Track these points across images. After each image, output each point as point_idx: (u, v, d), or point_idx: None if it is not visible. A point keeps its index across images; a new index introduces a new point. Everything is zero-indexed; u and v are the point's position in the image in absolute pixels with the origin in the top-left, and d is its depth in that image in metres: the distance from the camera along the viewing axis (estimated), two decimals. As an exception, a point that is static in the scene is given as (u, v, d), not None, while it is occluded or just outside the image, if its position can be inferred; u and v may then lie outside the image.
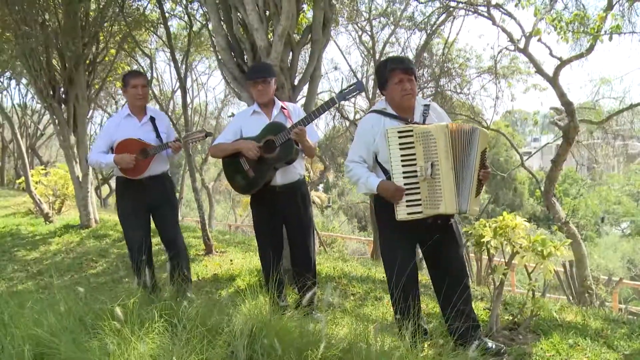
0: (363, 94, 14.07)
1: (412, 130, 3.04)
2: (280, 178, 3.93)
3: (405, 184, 3.05)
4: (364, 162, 3.28)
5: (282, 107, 4.01)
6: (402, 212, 3.07)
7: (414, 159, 3.04)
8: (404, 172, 3.05)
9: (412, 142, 3.03)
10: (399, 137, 3.04)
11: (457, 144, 3.05)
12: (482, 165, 3.13)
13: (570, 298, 8.10)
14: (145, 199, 4.35)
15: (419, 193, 3.05)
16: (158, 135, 4.33)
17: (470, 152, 3.07)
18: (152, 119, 4.39)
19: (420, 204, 3.04)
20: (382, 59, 13.00)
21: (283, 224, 4.10)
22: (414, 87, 3.20)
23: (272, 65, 4.52)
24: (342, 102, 14.44)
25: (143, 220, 4.39)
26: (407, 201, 3.05)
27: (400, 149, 3.04)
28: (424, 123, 3.18)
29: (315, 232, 14.57)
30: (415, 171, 3.03)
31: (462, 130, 3.08)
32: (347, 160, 3.37)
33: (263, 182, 3.88)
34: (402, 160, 3.05)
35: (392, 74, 3.18)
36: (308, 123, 3.76)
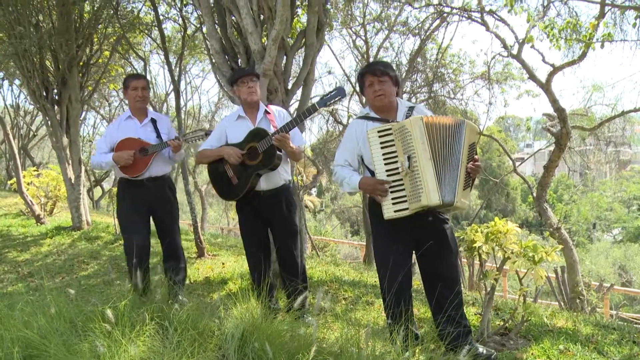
0: (357, 98, 14.11)
1: (390, 128, 3.08)
2: (265, 183, 3.94)
3: (390, 182, 3.07)
4: (349, 165, 3.35)
5: (266, 112, 4.02)
6: (389, 211, 3.08)
7: (395, 156, 3.07)
8: (387, 170, 3.08)
9: (392, 140, 3.07)
10: (379, 137, 3.08)
11: (436, 135, 3.06)
12: (471, 159, 3.14)
13: (562, 304, 8.13)
14: (146, 201, 4.36)
15: (403, 189, 3.06)
16: (159, 136, 4.36)
17: (455, 144, 3.07)
18: (154, 121, 4.42)
19: (405, 200, 3.05)
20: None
21: (269, 229, 4.10)
22: (385, 87, 3.25)
23: (267, 69, 4.54)
24: (336, 107, 14.53)
25: (142, 221, 4.39)
26: (392, 199, 3.07)
27: (382, 147, 3.08)
28: None
29: (307, 236, 14.45)
30: (397, 168, 3.06)
31: (441, 123, 3.09)
32: (333, 164, 3.45)
33: (247, 189, 3.89)
34: (384, 159, 3.08)
35: (364, 79, 3.30)
36: (290, 129, 3.77)
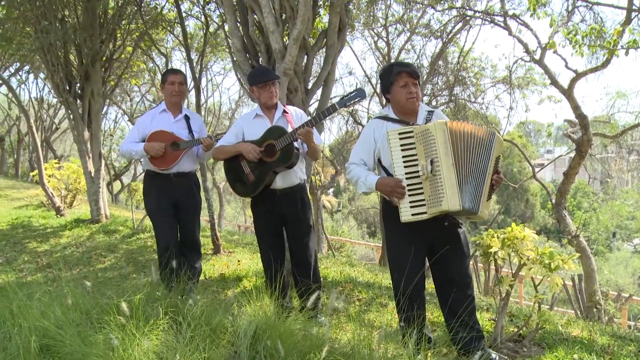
0: (377, 99, 14.09)
1: (412, 131, 3.05)
2: (281, 182, 3.95)
3: (408, 185, 3.04)
4: (364, 165, 3.31)
5: (284, 111, 4.03)
6: (406, 214, 3.05)
7: (416, 159, 3.04)
8: (406, 173, 3.05)
9: (413, 143, 3.04)
10: (400, 139, 3.05)
11: (459, 141, 3.04)
12: (495, 171, 3.13)
13: (578, 312, 8.04)
14: (171, 195, 4.40)
15: (422, 193, 3.03)
16: (191, 132, 4.40)
17: (484, 154, 3.07)
18: (187, 117, 4.46)
19: (424, 204, 3.03)
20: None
21: (283, 227, 4.12)
22: (418, 91, 3.23)
23: (287, 68, 4.55)
24: (356, 108, 14.52)
25: (169, 214, 4.43)
26: (410, 202, 3.04)
27: (402, 150, 3.05)
28: None
29: (324, 236, 14.47)
30: (418, 171, 3.03)
31: (466, 130, 3.07)
32: (348, 162, 3.40)
33: (263, 186, 3.90)
34: (404, 162, 3.05)
35: (398, 77, 3.20)
36: (310, 127, 3.78)
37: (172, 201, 4.42)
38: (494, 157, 3.09)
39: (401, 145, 3.05)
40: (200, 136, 4.46)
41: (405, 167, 3.05)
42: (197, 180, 4.66)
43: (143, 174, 4.76)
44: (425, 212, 3.03)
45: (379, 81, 3.41)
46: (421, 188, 3.04)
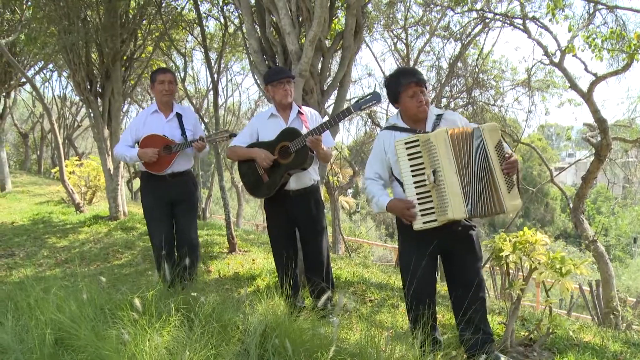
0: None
1: (417, 140, 3.06)
2: (294, 183, 3.98)
3: (417, 194, 3.06)
4: (379, 179, 3.33)
5: (299, 112, 4.05)
6: (417, 222, 3.08)
7: (423, 168, 3.05)
8: (414, 182, 3.07)
9: (420, 152, 3.05)
10: (406, 148, 3.07)
11: (462, 147, 3.04)
12: (502, 158, 3.05)
13: (595, 318, 7.96)
14: (167, 195, 4.44)
15: (431, 201, 3.05)
16: (183, 133, 4.42)
17: (480, 152, 3.03)
18: (179, 116, 4.48)
19: (433, 212, 3.05)
20: (416, 66, 13.02)
21: (296, 227, 4.15)
22: (427, 98, 3.22)
23: (303, 69, 4.59)
24: (375, 109, 14.49)
25: (165, 215, 4.47)
26: (421, 210, 3.06)
27: (409, 159, 3.07)
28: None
29: (341, 236, 14.44)
30: (425, 180, 3.05)
31: (465, 133, 3.05)
32: (364, 176, 3.42)
33: (277, 187, 3.93)
34: (412, 171, 3.07)
35: (406, 87, 3.18)
36: (324, 131, 3.79)
37: (168, 200, 4.46)
38: (492, 147, 3.03)
39: (408, 155, 3.07)
40: (194, 132, 4.49)
41: (413, 176, 3.08)
42: (194, 178, 4.67)
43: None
44: (436, 220, 3.05)
45: (386, 90, 3.37)
46: (430, 196, 3.05)
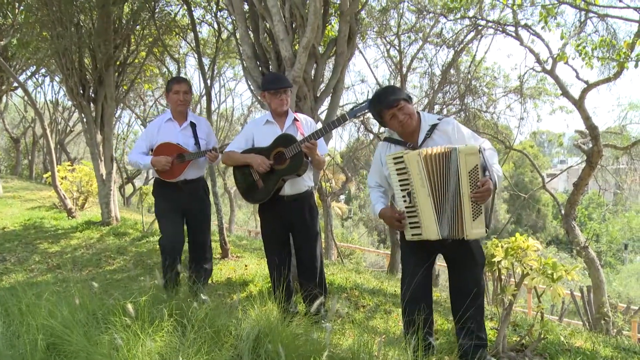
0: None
1: (402, 156, 3.10)
2: (289, 188, 4.00)
3: (405, 207, 3.13)
4: (379, 187, 3.43)
5: (295, 119, 4.07)
6: (407, 233, 3.19)
7: (408, 183, 3.11)
8: (402, 196, 3.14)
9: (405, 167, 3.09)
10: (395, 163, 3.12)
11: (437, 168, 3.04)
12: (474, 185, 3.03)
13: (587, 324, 8.00)
14: (180, 201, 4.48)
15: (416, 216, 3.11)
16: (197, 142, 4.46)
17: (452, 176, 3.03)
18: (193, 125, 4.52)
19: (419, 226, 3.11)
20: (408, 73, 13.07)
21: (290, 233, 4.16)
22: (407, 111, 3.20)
23: (297, 75, 4.60)
24: (368, 116, 14.52)
25: (177, 220, 4.51)
26: (409, 223, 3.14)
27: (397, 174, 3.12)
28: (420, 146, 3.21)
29: (333, 242, 14.43)
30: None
31: (442, 154, 3.04)
32: (367, 183, 3.54)
33: (272, 193, 3.95)
34: (400, 185, 3.13)
35: (382, 114, 3.25)
36: (318, 137, 3.81)
37: (181, 206, 4.51)
38: (465, 173, 3.01)
39: (396, 170, 3.12)
40: (208, 142, 4.54)
41: (401, 190, 3.14)
42: (206, 185, 4.73)
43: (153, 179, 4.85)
44: (421, 234, 3.12)
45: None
46: (415, 211, 3.11)
